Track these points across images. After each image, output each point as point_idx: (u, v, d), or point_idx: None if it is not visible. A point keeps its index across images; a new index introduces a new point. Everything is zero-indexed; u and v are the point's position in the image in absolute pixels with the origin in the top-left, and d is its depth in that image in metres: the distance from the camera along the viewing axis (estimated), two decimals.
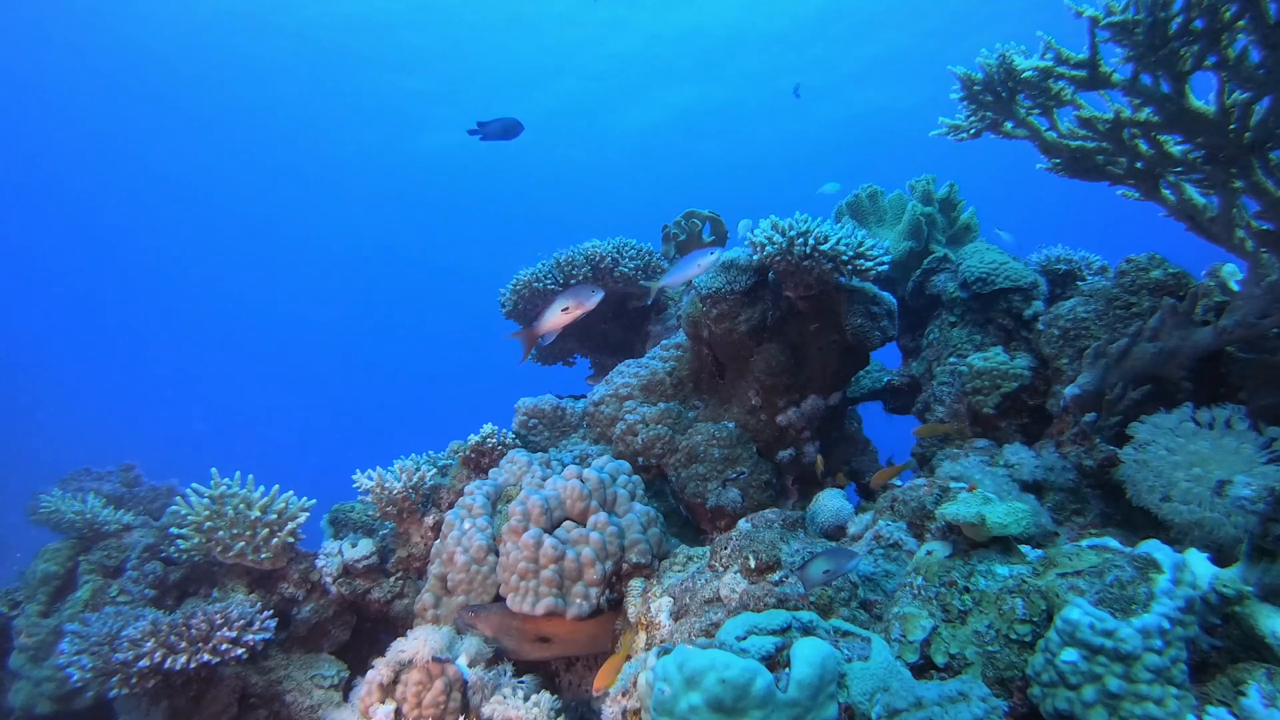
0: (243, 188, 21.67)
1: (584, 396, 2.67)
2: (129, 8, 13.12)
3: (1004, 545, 1.24)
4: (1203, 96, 1.42)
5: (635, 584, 1.75)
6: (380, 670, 1.66)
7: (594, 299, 1.87)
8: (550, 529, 1.79)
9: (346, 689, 2.11)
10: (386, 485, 2.12)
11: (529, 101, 16.14)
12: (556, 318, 1.87)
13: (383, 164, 20.60)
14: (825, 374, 2.20)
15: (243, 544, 2.08)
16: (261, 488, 2.16)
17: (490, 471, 2.18)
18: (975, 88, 1.70)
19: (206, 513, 2.09)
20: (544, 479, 2.00)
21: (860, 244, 2.00)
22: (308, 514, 2.20)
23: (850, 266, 1.98)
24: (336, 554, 2.20)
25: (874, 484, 2.08)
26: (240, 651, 1.86)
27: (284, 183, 21.83)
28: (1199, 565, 1.08)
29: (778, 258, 1.99)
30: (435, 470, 2.36)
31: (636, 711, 1.29)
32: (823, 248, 1.95)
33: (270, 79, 15.74)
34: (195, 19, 13.58)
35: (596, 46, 14.54)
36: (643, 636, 1.62)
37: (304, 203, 23.37)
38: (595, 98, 16.11)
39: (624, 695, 1.35)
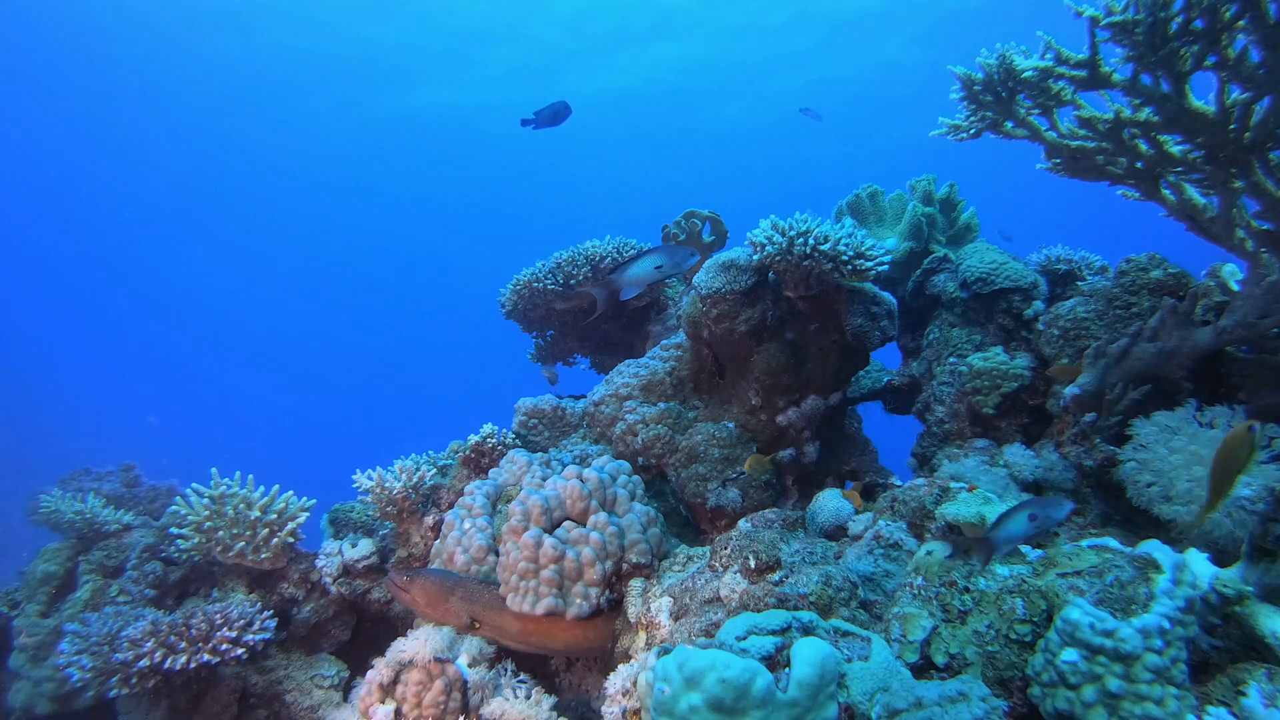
0: (242, 184, 21.64)
1: (584, 396, 2.67)
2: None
3: None
4: (1203, 96, 1.42)
5: (635, 584, 1.75)
6: (380, 670, 1.66)
7: (690, 262, 1.74)
8: (550, 529, 1.78)
9: (346, 689, 2.11)
10: (386, 485, 2.11)
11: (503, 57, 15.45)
12: (648, 274, 1.73)
13: (383, 153, 20.44)
14: (825, 374, 2.20)
15: (243, 544, 2.08)
16: (261, 488, 2.16)
17: (490, 471, 2.18)
18: (975, 88, 1.70)
19: (206, 513, 2.09)
20: (544, 479, 2.00)
21: (860, 244, 2.00)
22: (308, 514, 2.20)
23: (850, 266, 1.98)
24: (336, 554, 2.20)
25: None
26: (240, 651, 1.86)
27: (283, 179, 21.79)
28: (1199, 565, 1.08)
29: (778, 258, 1.99)
30: (435, 470, 2.36)
31: (637, 711, 1.29)
32: (823, 248, 1.95)
33: (256, 66, 15.62)
34: (179, 11, 13.54)
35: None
36: (643, 636, 1.62)
37: (304, 201, 23.37)
38: (575, 51, 15.32)
39: (624, 695, 1.35)
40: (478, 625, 1.72)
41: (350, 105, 17.32)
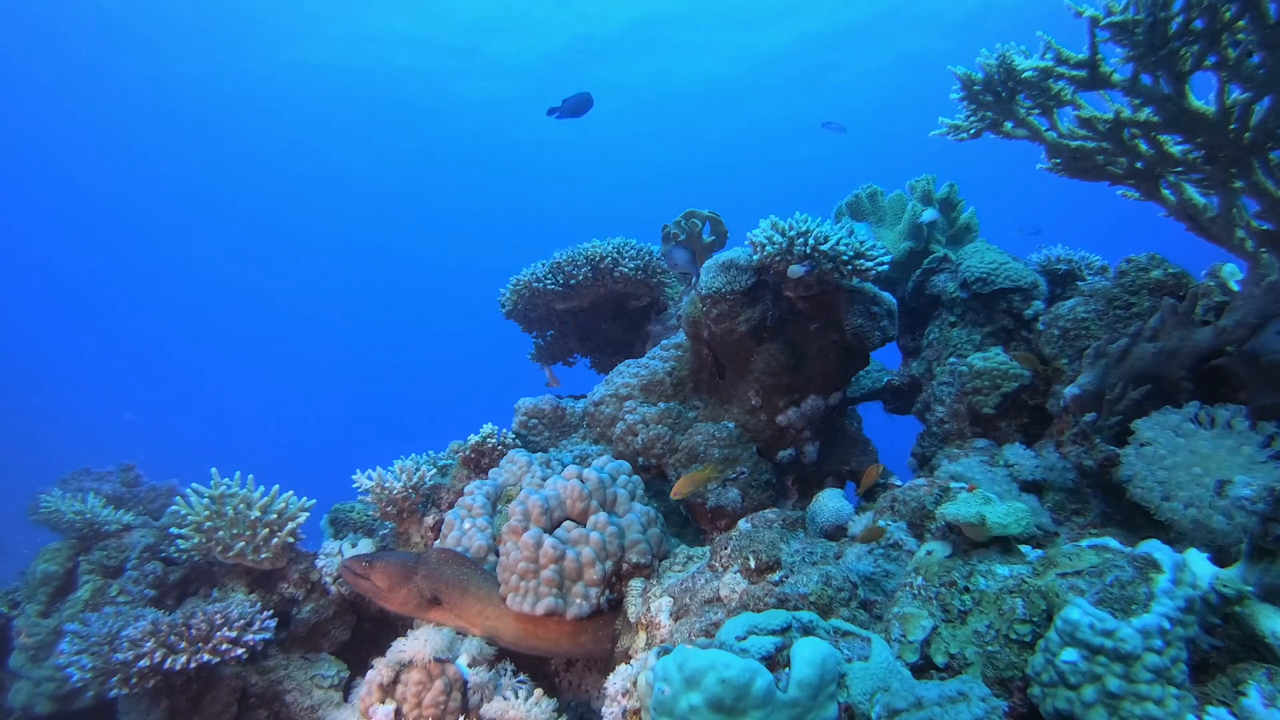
0: (240, 183, 21.56)
1: (584, 396, 2.67)
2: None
3: (1004, 545, 1.24)
4: (1203, 96, 1.42)
5: (635, 584, 1.75)
6: (380, 670, 1.66)
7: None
8: (550, 529, 1.78)
9: (346, 689, 2.11)
10: (386, 485, 2.11)
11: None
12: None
13: (380, 151, 20.16)
14: (825, 374, 2.20)
15: (243, 544, 2.08)
16: (261, 488, 2.16)
17: (490, 471, 2.18)
18: (975, 88, 1.70)
19: (206, 513, 2.09)
20: (544, 479, 2.00)
21: (860, 244, 2.00)
22: (308, 514, 2.20)
23: (850, 267, 1.98)
24: (336, 554, 2.20)
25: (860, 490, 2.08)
26: (240, 651, 1.86)
27: (282, 178, 21.72)
28: (1199, 565, 1.08)
29: (778, 258, 1.99)
30: (435, 470, 2.36)
31: (637, 711, 1.29)
32: (823, 248, 1.95)
33: (259, 65, 15.36)
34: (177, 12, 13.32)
35: None
36: (643, 636, 1.62)
37: (303, 200, 23.34)
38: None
39: (624, 695, 1.35)
40: (441, 604, 1.64)
41: (345, 85, 16.60)
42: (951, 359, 2.41)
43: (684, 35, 15.01)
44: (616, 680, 1.39)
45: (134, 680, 1.78)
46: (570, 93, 3.02)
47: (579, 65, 15.56)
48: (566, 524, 1.80)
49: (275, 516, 2.13)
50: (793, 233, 1.97)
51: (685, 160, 20.33)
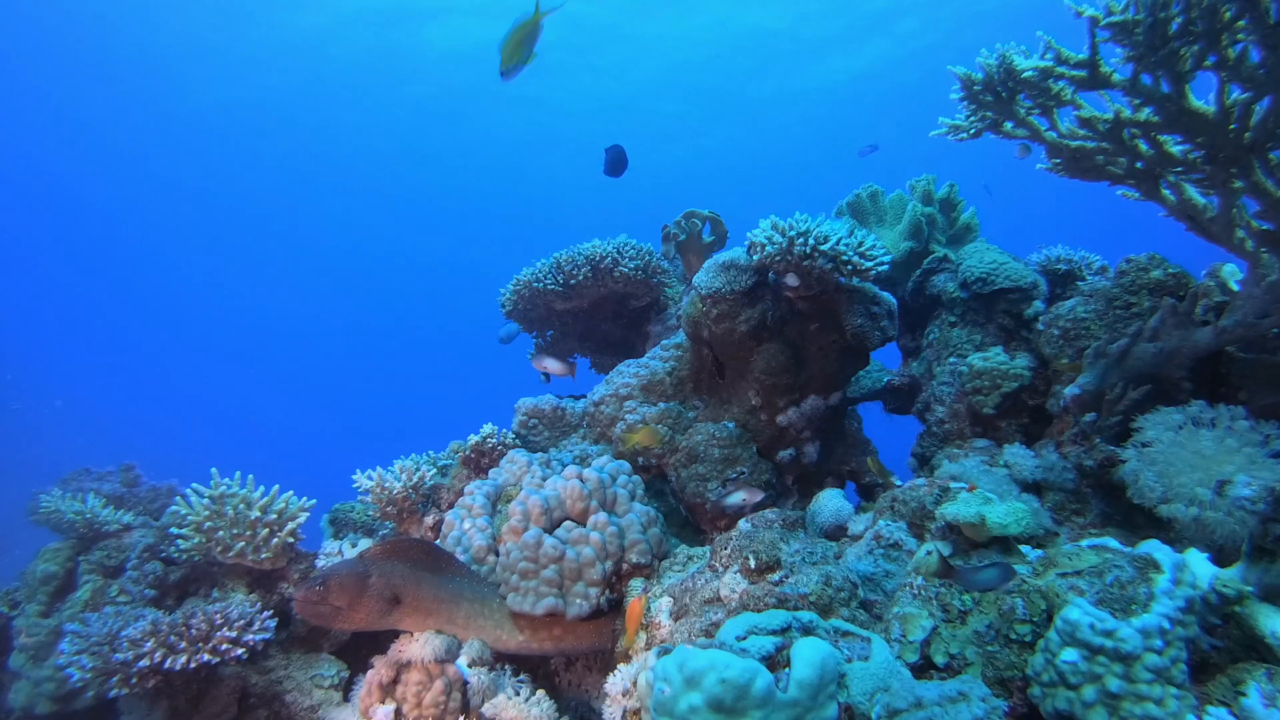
0: (238, 185, 21.51)
1: (584, 396, 2.67)
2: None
3: (1004, 545, 1.24)
4: (1203, 96, 1.42)
5: (635, 584, 1.75)
6: (380, 670, 1.66)
7: None
8: (550, 529, 1.78)
9: (346, 689, 2.11)
10: (386, 485, 2.11)
11: None
12: None
13: (379, 156, 20.15)
14: (825, 374, 2.20)
15: (243, 544, 2.08)
16: (261, 488, 2.16)
17: (490, 471, 2.18)
18: (975, 88, 1.69)
19: (206, 513, 2.09)
20: (544, 479, 2.00)
21: (860, 244, 2.00)
22: (308, 514, 2.19)
23: (850, 266, 1.98)
24: (336, 554, 2.20)
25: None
26: (240, 651, 1.86)
27: (281, 178, 21.68)
28: (1199, 565, 1.08)
29: (777, 258, 1.99)
30: (435, 470, 2.36)
31: (637, 711, 1.29)
32: (823, 248, 1.95)
33: (254, 66, 15.30)
34: (182, 13, 13.39)
35: None
36: (643, 636, 1.62)
37: (302, 201, 23.33)
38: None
39: (625, 695, 1.35)
40: (400, 603, 1.61)
41: (347, 88, 16.57)
42: (951, 359, 2.41)
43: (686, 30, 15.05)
44: (617, 680, 1.39)
45: (134, 680, 1.77)
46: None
47: (584, 63, 15.53)
48: (566, 524, 1.80)
49: (275, 516, 2.13)
50: (792, 233, 1.97)
51: (686, 160, 20.32)
